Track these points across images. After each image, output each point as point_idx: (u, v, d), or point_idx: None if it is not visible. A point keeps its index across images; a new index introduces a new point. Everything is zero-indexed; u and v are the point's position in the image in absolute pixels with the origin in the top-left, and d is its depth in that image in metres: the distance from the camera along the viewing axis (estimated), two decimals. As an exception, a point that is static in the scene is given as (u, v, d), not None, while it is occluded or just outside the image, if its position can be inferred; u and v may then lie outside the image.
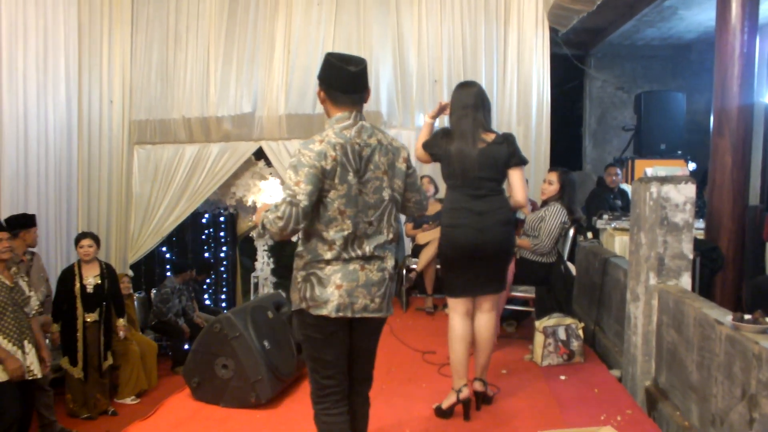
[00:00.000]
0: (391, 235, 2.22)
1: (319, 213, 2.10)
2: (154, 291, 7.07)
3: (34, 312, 4.03)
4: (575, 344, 3.90)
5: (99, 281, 5.14)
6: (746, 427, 2.23)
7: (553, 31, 6.89)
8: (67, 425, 4.81)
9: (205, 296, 8.55)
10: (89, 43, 6.72)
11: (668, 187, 3.18)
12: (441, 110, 3.25)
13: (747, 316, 2.37)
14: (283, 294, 4.36)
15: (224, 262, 8.87)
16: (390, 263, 2.22)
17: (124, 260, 7.18)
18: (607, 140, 8.07)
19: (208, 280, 8.51)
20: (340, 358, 2.19)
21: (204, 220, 8.68)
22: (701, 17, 6.46)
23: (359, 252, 2.14)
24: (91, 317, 5.07)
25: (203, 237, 8.78)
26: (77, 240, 5.22)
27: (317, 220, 2.11)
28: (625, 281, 3.71)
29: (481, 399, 3.17)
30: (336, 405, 2.18)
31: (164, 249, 8.24)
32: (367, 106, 2.47)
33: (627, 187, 6.08)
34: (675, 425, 2.83)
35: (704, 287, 3.97)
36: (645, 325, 3.28)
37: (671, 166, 5.86)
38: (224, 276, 8.92)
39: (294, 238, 2.58)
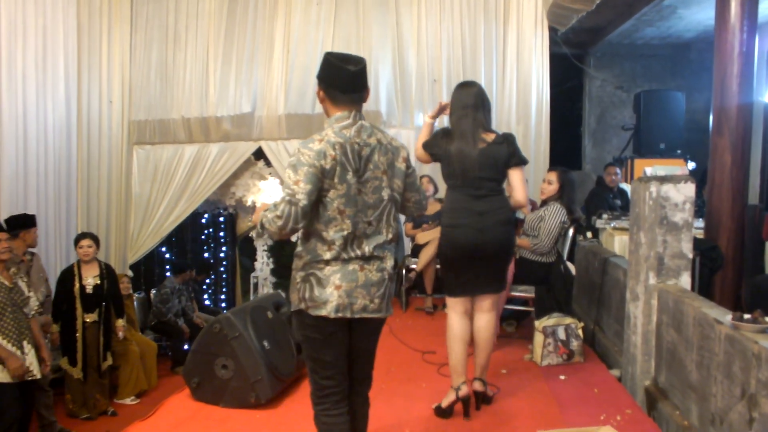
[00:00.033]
0: (390, 235, 2.21)
1: (318, 213, 2.09)
2: (153, 291, 7.08)
3: (33, 312, 4.03)
4: (575, 344, 3.90)
5: (98, 281, 5.13)
6: (746, 427, 2.23)
7: (553, 31, 6.89)
8: (66, 425, 4.81)
9: (205, 296, 8.55)
10: (88, 43, 6.72)
11: (668, 187, 3.18)
12: (441, 110, 3.25)
13: (746, 316, 2.37)
14: (283, 294, 4.35)
15: (224, 262, 8.87)
16: (389, 263, 2.21)
17: (123, 260, 7.18)
18: (607, 139, 8.06)
19: (207, 281, 8.51)
20: (340, 359, 2.19)
21: (203, 220, 8.68)
22: (700, 16, 6.46)
23: (358, 252, 2.13)
24: (90, 317, 5.07)
25: (203, 237, 8.78)
26: (77, 240, 5.22)
27: (316, 219, 2.10)
28: (624, 281, 3.71)
29: (481, 399, 3.17)
30: (336, 406, 2.18)
31: (164, 249, 8.24)
32: (367, 106, 2.46)
33: (626, 187, 6.08)
34: (675, 425, 2.83)
35: (704, 286, 3.97)
36: (644, 325, 3.28)
37: (670, 166, 5.88)
38: (224, 276, 8.92)
39: (293, 238, 2.58)
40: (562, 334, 3.89)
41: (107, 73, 6.95)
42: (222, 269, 8.87)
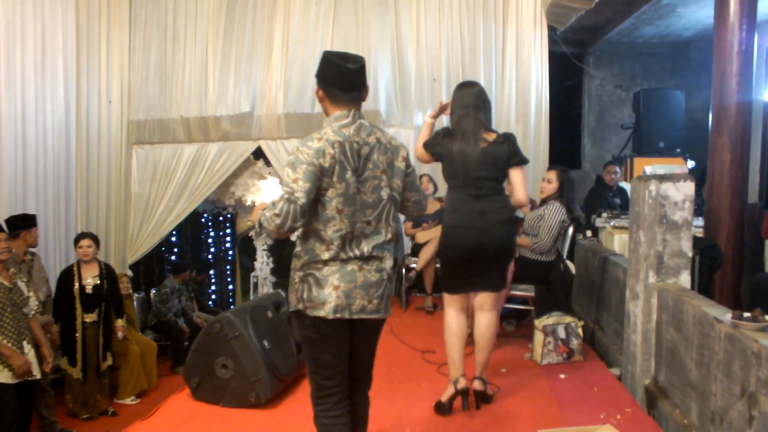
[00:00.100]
0: (389, 235, 2.21)
1: (317, 212, 2.09)
2: (153, 291, 7.08)
3: (33, 312, 4.03)
4: (575, 343, 3.91)
5: (98, 281, 5.13)
6: (745, 425, 2.23)
7: (552, 30, 6.88)
8: (67, 425, 4.81)
9: (211, 296, 8.56)
10: (87, 44, 6.72)
11: (667, 185, 3.18)
12: (441, 110, 3.27)
13: (746, 314, 2.37)
14: (283, 293, 4.35)
15: (223, 262, 8.86)
16: (388, 264, 2.20)
17: (123, 260, 7.18)
18: (606, 138, 8.06)
19: (213, 280, 8.52)
20: (340, 359, 2.18)
21: (203, 220, 8.68)
22: (699, 14, 6.46)
23: (357, 252, 2.12)
24: (90, 317, 5.07)
25: (202, 237, 8.77)
26: (76, 240, 5.22)
27: (315, 219, 2.09)
28: (624, 279, 3.71)
29: (481, 398, 3.17)
30: (336, 406, 2.18)
31: (163, 249, 8.24)
32: (366, 105, 2.46)
33: (626, 185, 6.08)
34: (674, 423, 2.83)
35: (703, 285, 3.96)
36: (644, 324, 3.28)
37: (670, 164, 5.89)
38: (225, 275, 8.91)
39: (293, 237, 2.57)
40: (562, 332, 3.89)
41: (106, 74, 6.95)
42: (222, 269, 8.88)
